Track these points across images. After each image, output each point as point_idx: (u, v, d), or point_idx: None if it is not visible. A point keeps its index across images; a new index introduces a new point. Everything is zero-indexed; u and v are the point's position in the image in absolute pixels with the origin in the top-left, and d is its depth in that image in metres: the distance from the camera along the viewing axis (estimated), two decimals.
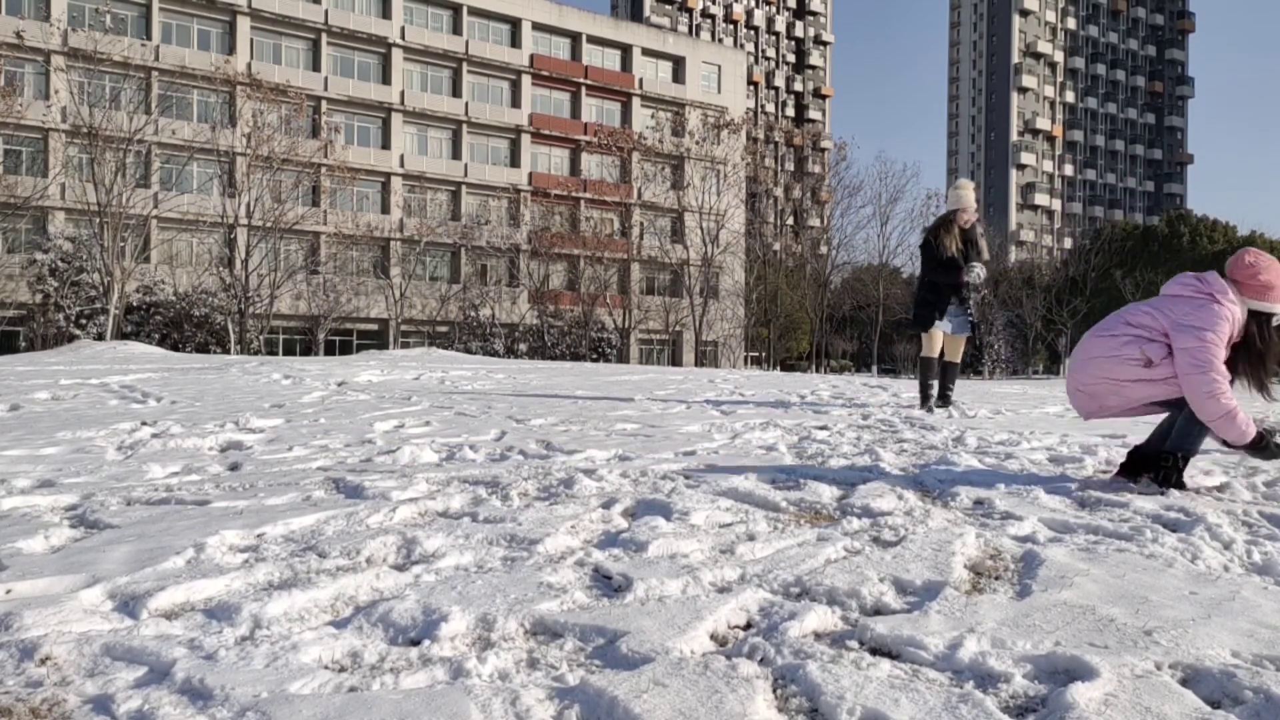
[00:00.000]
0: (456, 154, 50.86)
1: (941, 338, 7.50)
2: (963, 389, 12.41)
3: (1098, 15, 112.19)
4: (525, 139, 52.47)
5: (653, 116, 54.05)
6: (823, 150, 76.78)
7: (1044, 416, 7.15)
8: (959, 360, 7.61)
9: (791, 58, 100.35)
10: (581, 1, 56.19)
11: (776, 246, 53.04)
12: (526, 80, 52.51)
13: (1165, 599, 2.12)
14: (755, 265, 51.48)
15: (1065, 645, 1.80)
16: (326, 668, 1.69)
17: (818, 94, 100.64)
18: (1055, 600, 2.11)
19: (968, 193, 7.54)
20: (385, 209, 48.25)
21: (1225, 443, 3.50)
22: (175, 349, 32.29)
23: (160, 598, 2.03)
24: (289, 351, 42.66)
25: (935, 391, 7.53)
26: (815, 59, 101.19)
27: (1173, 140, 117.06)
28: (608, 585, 2.22)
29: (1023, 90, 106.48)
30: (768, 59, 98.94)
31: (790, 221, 59.42)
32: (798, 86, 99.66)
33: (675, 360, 51.22)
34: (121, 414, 5.97)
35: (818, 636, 1.89)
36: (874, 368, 52.35)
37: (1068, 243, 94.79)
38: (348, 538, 2.61)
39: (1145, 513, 3.15)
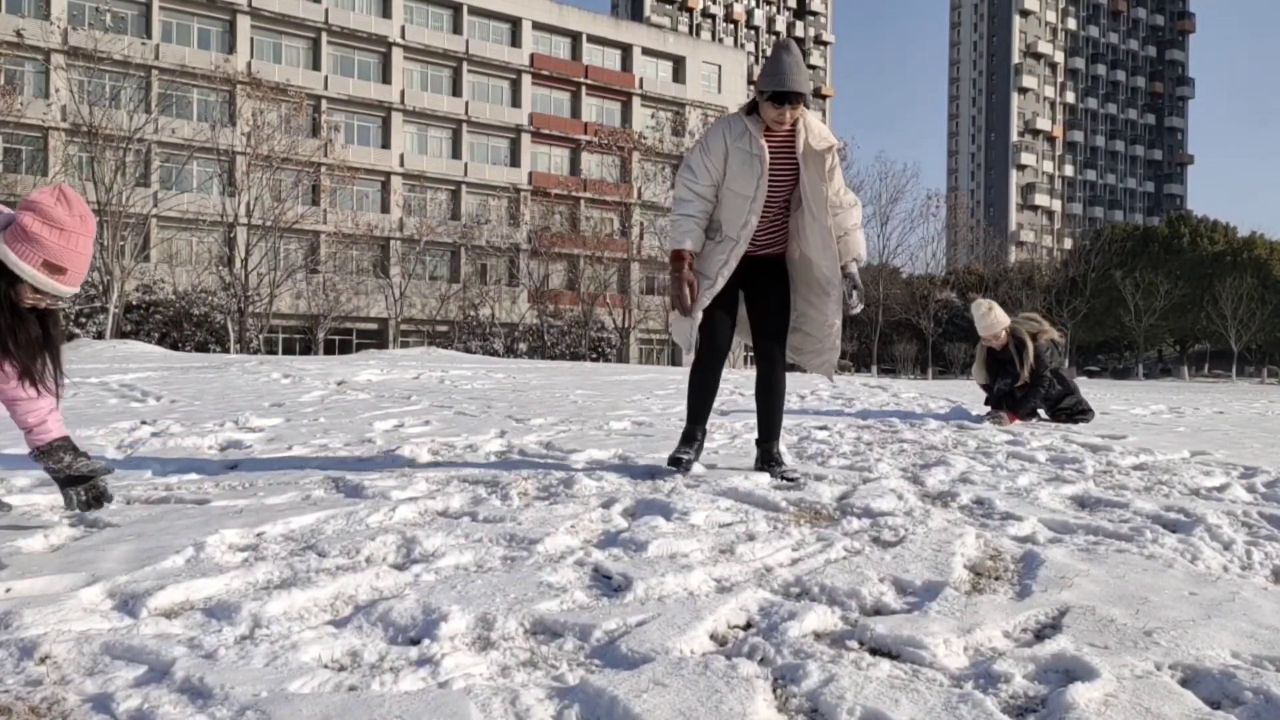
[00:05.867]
0: (456, 153, 50.85)
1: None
2: (961, 389, 12.48)
3: (1098, 16, 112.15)
4: (525, 138, 52.45)
5: (653, 116, 54.03)
6: None
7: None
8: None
9: None
10: (581, 1, 56.05)
11: None
12: (526, 80, 52.51)
13: (1165, 600, 2.12)
14: None
15: (1065, 646, 1.80)
16: (326, 667, 1.69)
17: (818, 94, 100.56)
18: (1055, 601, 2.11)
19: (981, 317, 6.75)
20: (385, 208, 48.23)
21: None
22: (175, 348, 32.24)
23: (160, 597, 2.03)
24: (288, 351, 42.63)
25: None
26: (816, 59, 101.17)
27: (1173, 141, 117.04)
28: (608, 585, 2.21)
29: (1023, 90, 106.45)
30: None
31: None
32: None
33: (675, 360, 51.18)
34: (121, 413, 5.97)
35: (818, 636, 1.89)
36: (874, 368, 52.33)
37: (1068, 243, 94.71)
38: (347, 537, 2.60)
39: (1145, 513, 3.16)
